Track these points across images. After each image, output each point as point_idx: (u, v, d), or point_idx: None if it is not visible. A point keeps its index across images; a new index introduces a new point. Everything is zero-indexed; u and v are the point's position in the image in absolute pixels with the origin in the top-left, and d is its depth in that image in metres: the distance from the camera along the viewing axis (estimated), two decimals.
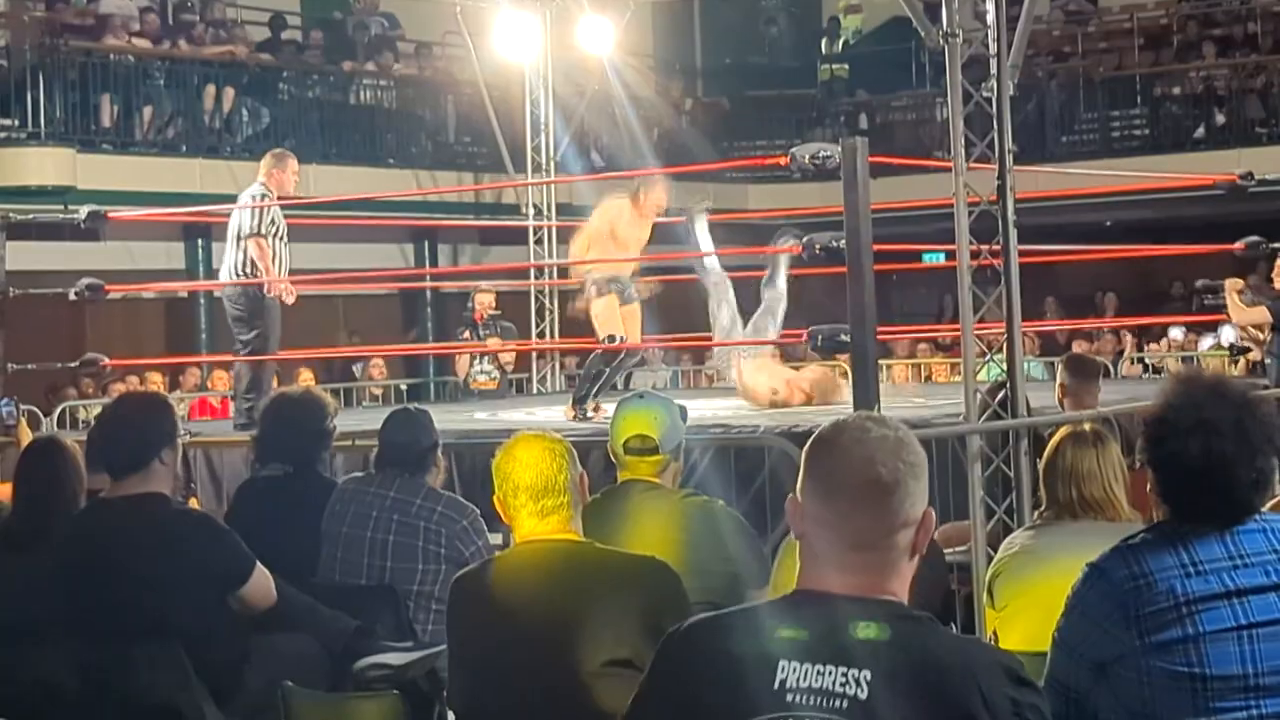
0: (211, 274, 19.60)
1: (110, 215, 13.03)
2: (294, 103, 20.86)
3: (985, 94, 9.27)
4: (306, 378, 17.26)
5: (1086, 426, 5.88)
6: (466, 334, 16.80)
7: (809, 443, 3.14)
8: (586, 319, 12.55)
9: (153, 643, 5.70)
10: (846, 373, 12.69)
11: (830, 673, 2.99)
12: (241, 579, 5.92)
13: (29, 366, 12.70)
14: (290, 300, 12.69)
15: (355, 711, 5.73)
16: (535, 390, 17.83)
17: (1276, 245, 13.64)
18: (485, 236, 22.52)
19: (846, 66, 27.79)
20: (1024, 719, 2.98)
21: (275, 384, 15.76)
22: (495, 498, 4.82)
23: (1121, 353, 20.21)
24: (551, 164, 19.02)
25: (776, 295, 12.85)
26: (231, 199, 13.24)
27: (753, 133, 25.87)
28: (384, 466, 6.96)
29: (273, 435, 7.45)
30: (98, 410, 15.90)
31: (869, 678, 2.96)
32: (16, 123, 18.05)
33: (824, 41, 28.50)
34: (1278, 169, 17.33)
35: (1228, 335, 17.90)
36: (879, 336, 9.35)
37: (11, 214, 13.10)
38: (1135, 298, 22.94)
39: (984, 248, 9.22)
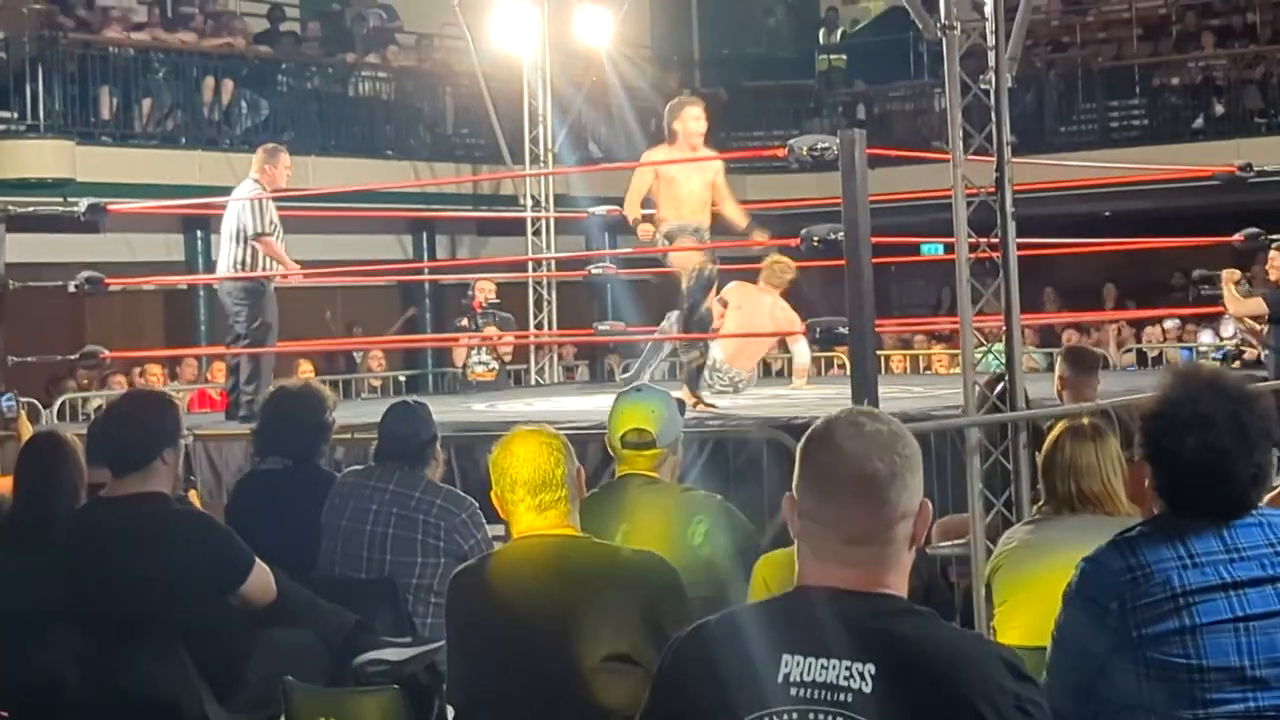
0: (211, 266, 19.54)
1: (110, 207, 13.02)
2: (293, 94, 20.86)
3: (984, 86, 9.28)
4: (306, 369, 17.27)
5: (1085, 420, 5.89)
6: (465, 321, 16.81)
7: (803, 440, 3.15)
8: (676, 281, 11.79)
9: (153, 638, 5.71)
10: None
11: (834, 666, 3.00)
12: (241, 577, 5.93)
13: (28, 359, 12.70)
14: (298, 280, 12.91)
15: (355, 706, 5.73)
16: (533, 382, 17.84)
17: (1275, 237, 13.65)
18: (483, 228, 22.54)
19: (844, 57, 27.80)
20: (1025, 713, 2.99)
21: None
22: (493, 493, 4.82)
23: (1120, 344, 20.23)
24: (549, 155, 19.02)
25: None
26: (231, 191, 13.29)
27: (750, 123, 25.86)
28: (383, 460, 6.96)
29: (272, 429, 7.45)
30: (98, 403, 16.00)
31: (873, 671, 2.97)
32: (16, 115, 18.05)
33: (821, 32, 28.52)
34: (1277, 160, 17.35)
35: (1227, 329, 17.93)
36: (877, 329, 9.36)
37: (11, 206, 13.11)
38: (1134, 289, 22.94)
39: (982, 240, 9.23)
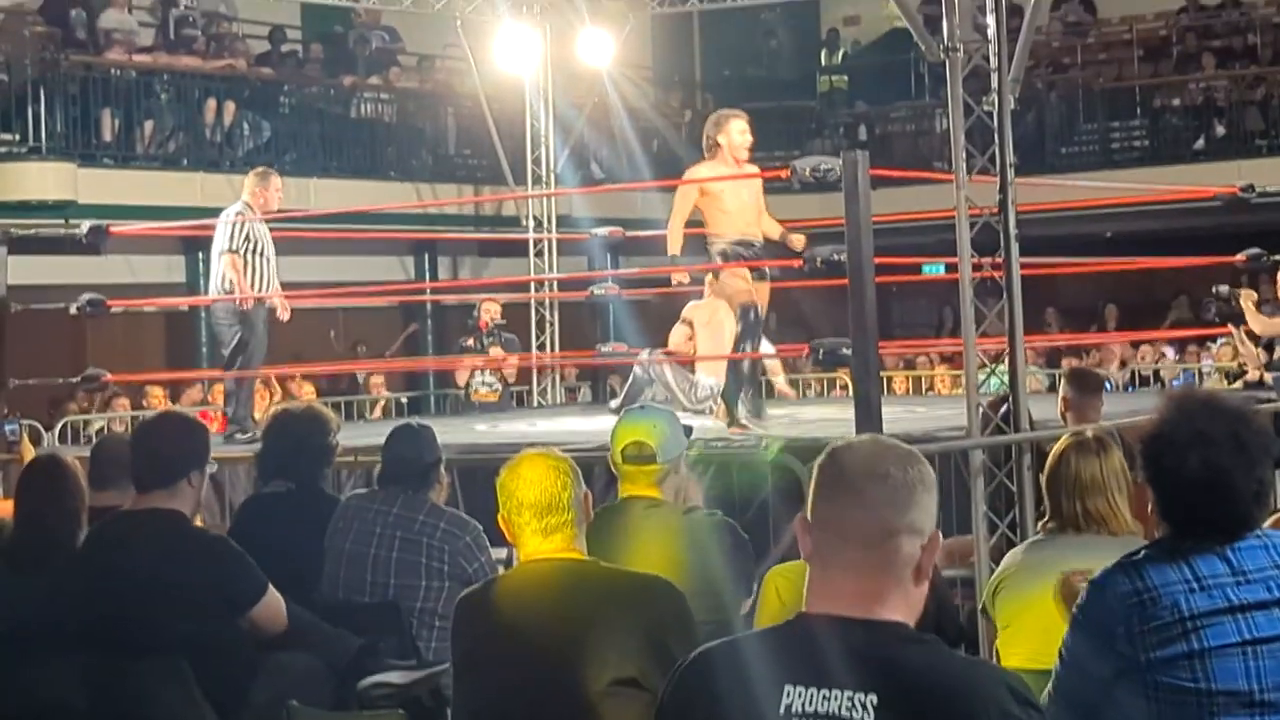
0: None
1: (111, 229, 13.03)
2: (295, 116, 20.87)
3: (986, 107, 9.28)
4: (308, 391, 17.26)
5: (1089, 433, 5.88)
6: (470, 341, 16.81)
7: (822, 455, 3.16)
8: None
9: (159, 658, 5.69)
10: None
11: (835, 696, 2.99)
12: (252, 601, 5.92)
13: (30, 382, 12.70)
14: (285, 316, 12.85)
15: None
16: (536, 403, 17.84)
17: (1278, 257, 13.66)
18: (485, 249, 22.54)
19: (845, 78, 27.81)
20: None
21: (275, 396, 15.91)
22: (500, 516, 4.82)
23: (1123, 364, 20.22)
24: (551, 176, 19.05)
25: None
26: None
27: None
28: (387, 483, 6.95)
29: (275, 452, 7.45)
30: (100, 425, 15.99)
31: (875, 701, 2.96)
32: (18, 137, 18.05)
33: (823, 53, 28.52)
34: (1278, 181, 17.35)
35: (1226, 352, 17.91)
36: (880, 350, 9.36)
37: (13, 229, 13.12)
38: (1136, 309, 22.93)
39: (985, 260, 9.22)
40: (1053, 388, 15.55)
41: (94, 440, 14.27)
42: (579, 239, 17.51)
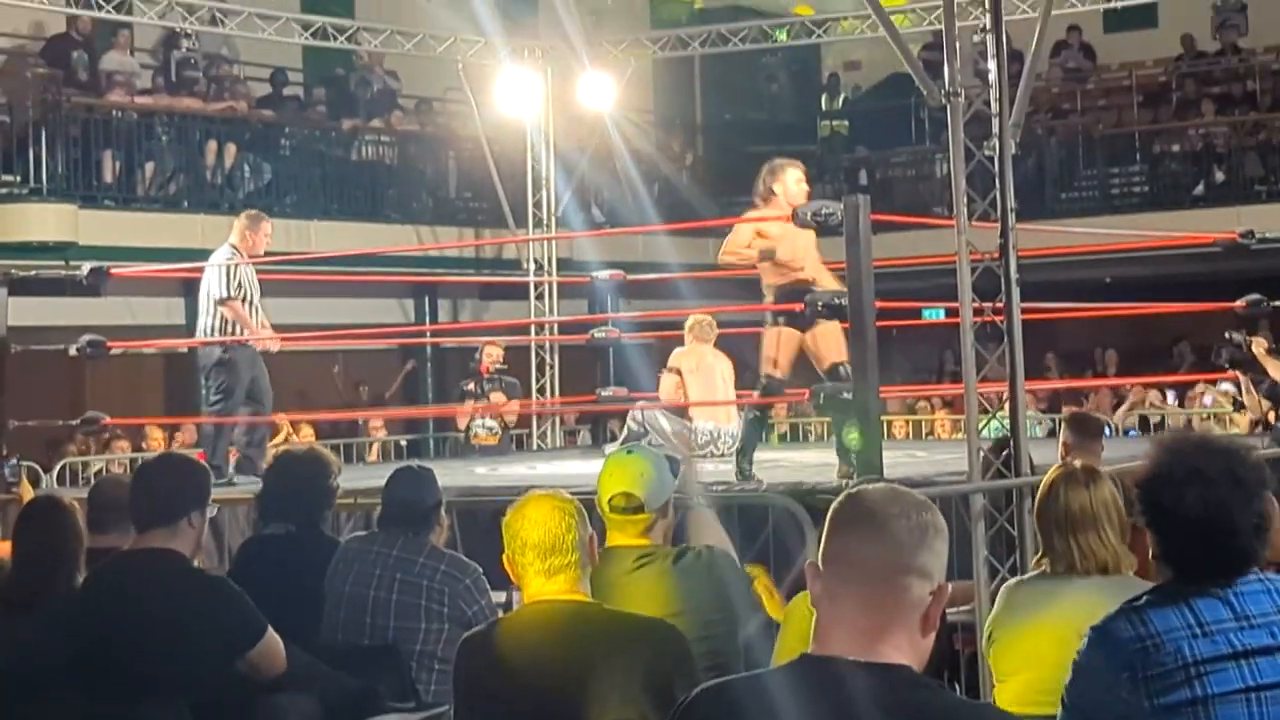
0: None
1: (112, 271, 13.04)
2: (296, 158, 20.89)
3: (987, 152, 9.29)
4: (307, 434, 17.26)
5: (1078, 465, 5.85)
6: (471, 385, 16.81)
7: (838, 497, 3.16)
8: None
9: (158, 699, 5.67)
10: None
11: None
12: (251, 642, 5.89)
13: (29, 423, 12.69)
14: (275, 348, 13.08)
15: None
16: (536, 446, 17.84)
17: (1278, 303, 13.65)
18: (485, 291, 22.54)
19: (846, 123, 27.87)
20: None
21: (279, 439, 15.93)
22: (504, 556, 4.80)
23: (1118, 404, 20.20)
24: (552, 219, 19.10)
25: None
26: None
27: (752, 188, 25.85)
28: (387, 525, 6.93)
29: (276, 493, 7.44)
30: (98, 467, 15.97)
31: None
32: (19, 179, 18.06)
33: (824, 98, 28.59)
34: (1277, 226, 17.35)
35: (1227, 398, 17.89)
36: (881, 394, 9.36)
37: (13, 270, 13.12)
38: (1136, 354, 22.93)
39: (986, 305, 9.22)
40: (1052, 433, 15.53)
41: (92, 482, 14.27)
42: (580, 282, 17.52)
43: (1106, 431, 13.67)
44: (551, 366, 18.37)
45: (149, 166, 19.35)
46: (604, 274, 14.98)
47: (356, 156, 21.69)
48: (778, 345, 10.92)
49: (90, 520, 6.42)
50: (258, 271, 13.19)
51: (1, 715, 5.88)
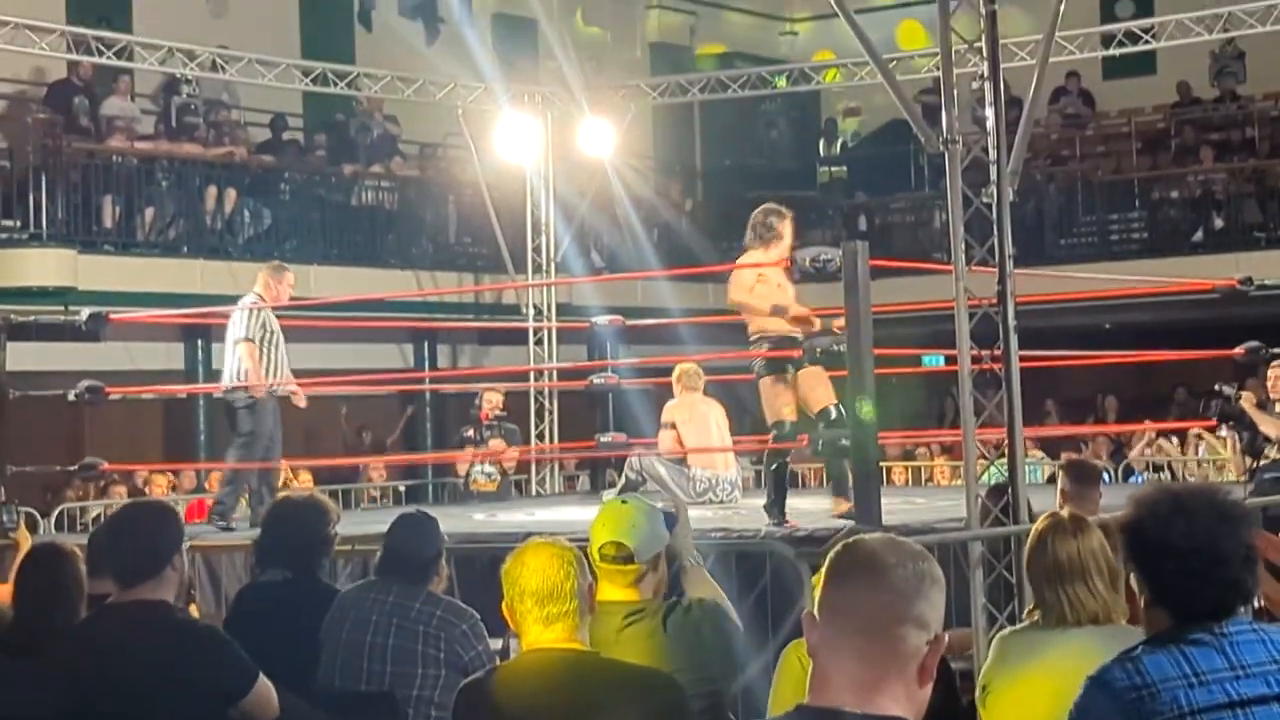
0: (211, 375, 19.64)
1: (111, 317, 13.06)
2: (296, 203, 20.92)
3: (985, 199, 9.31)
4: (305, 479, 17.23)
5: (1066, 514, 5.84)
6: (470, 431, 16.80)
7: (835, 546, 3.16)
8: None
9: None
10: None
11: None
12: (244, 691, 5.87)
13: (27, 468, 12.69)
14: (301, 404, 13.28)
15: None
16: (535, 492, 17.82)
17: (1277, 350, 13.65)
18: (485, 337, 22.56)
19: (845, 169, 27.93)
20: None
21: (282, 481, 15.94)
22: (503, 604, 4.79)
23: (1115, 450, 20.19)
24: (552, 265, 19.12)
25: None
26: (233, 300, 13.45)
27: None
28: (385, 573, 6.92)
29: (274, 540, 7.42)
30: (97, 512, 15.94)
31: None
32: (19, 224, 18.08)
33: (822, 144, 28.66)
34: (1276, 273, 17.38)
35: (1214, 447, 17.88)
36: (879, 440, 9.36)
37: (13, 315, 13.14)
38: (1135, 401, 22.93)
39: (984, 352, 9.22)
40: (1053, 479, 15.53)
41: (90, 528, 14.25)
42: (580, 327, 17.54)
43: (1105, 478, 13.67)
44: (551, 412, 18.37)
45: (149, 212, 19.37)
46: (603, 319, 15.01)
47: (356, 202, 21.72)
48: (778, 392, 10.93)
49: (90, 565, 6.41)
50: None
51: None
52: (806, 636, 3.12)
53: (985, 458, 9.77)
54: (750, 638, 6.01)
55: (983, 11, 9.52)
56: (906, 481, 19.31)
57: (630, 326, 15.42)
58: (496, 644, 6.73)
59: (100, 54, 17.30)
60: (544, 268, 19.28)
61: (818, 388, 10.84)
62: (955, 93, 9.45)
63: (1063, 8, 10.46)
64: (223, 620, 7.35)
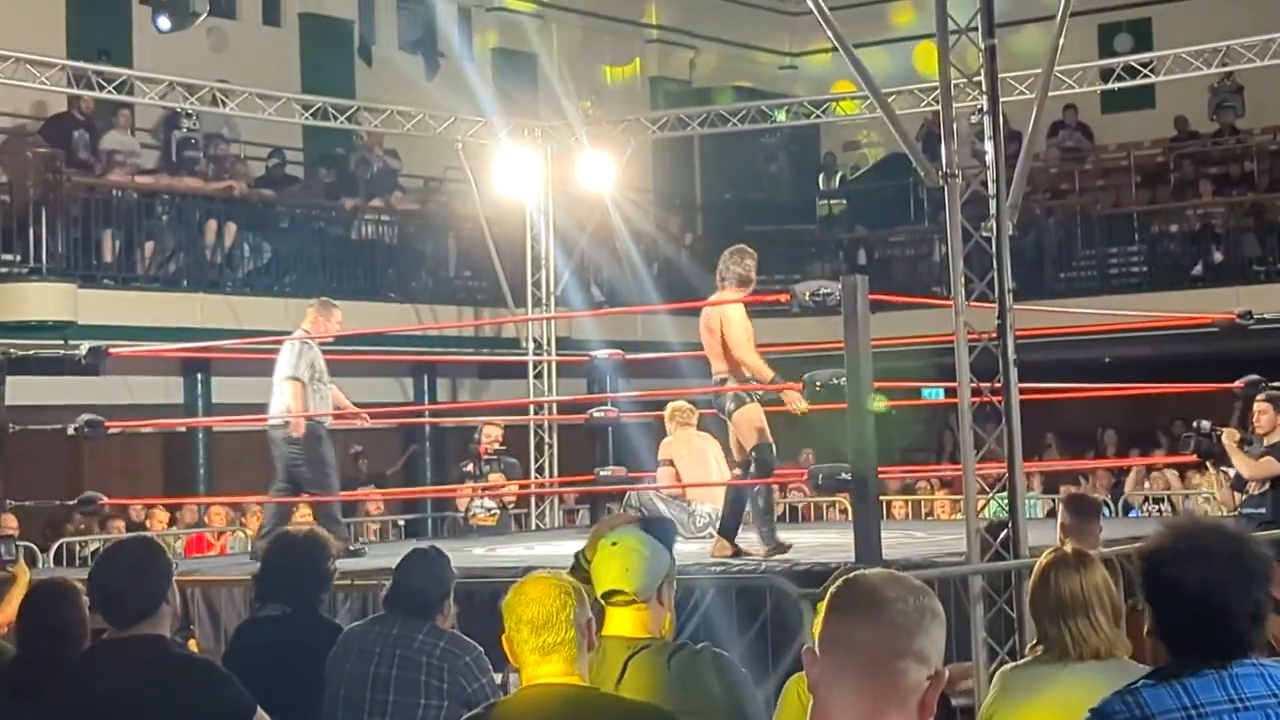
0: (211, 409, 19.65)
1: (111, 350, 13.06)
2: (295, 237, 20.92)
3: (984, 233, 9.32)
4: (305, 514, 17.21)
5: (1069, 550, 5.83)
6: (470, 466, 16.78)
7: (837, 582, 3.16)
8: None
9: None
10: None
11: None
12: None
13: (27, 503, 12.68)
14: (367, 421, 14.40)
15: None
16: (534, 526, 17.80)
17: (1276, 384, 13.63)
18: (484, 370, 22.56)
19: (845, 202, 27.96)
20: None
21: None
22: (504, 637, 4.77)
23: (1115, 484, 20.17)
24: (552, 299, 19.13)
25: None
26: (232, 334, 13.53)
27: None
28: (392, 607, 6.90)
29: (273, 575, 7.40)
30: (95, 546, 15.92)
31: None
32: (18, 258, 18.08)
33: (822, 177, 28.69)
34: (1275, 307, 17.39)
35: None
36: (879, 474, 9.36)
37: (12, 349, 13.13)
38: (1135, 435, 22.93)
39: (984, 385, 9.23)
40: (1052, 513, 15.52)
41: (89, 562, 14.23)
42: (579, 361, 17.53)
43: (1106, 512, 13.65)
44: (550, 446, 18.36)
45: (149, 246, 19.38)
46: (603, 353, 15.01)
47: (356, 236, 21.73)
48: (751, 422, 11.02)
49: (92, 601, 6.40)
50: (250, 351, 13.34)
51: None
52: (807, 671, 3.11)
53: (985, 491, 9.76)
54: (750, 672, 5.98)
55: (982, 46, 9.54)
56: (907, 515, 19.30)
57: (630, 360, 15.41)
58: (497, 678, 6.72)
59: (101, 88, 17.31)
60: (544, 301, 19.28)
61: (746, 431, 11.04)
62: (955, 127, 9.47)
63: (1062, 42, 10.48)
64: (222, 655, 7.34)
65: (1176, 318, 18.01)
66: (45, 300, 17.75)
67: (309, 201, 21.67)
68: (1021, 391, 9.31)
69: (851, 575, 3.16)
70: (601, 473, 15.13)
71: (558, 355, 18.95)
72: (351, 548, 12.90)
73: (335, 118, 18.94)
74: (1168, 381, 16.57)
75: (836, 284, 9.32)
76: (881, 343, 10.25)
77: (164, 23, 15.60)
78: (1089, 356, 21.44)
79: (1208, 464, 14.94)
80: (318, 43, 24.03)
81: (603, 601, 5.29)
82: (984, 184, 9.42)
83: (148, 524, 17.40)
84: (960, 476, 9.58)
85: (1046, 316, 16.81)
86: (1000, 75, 9.77)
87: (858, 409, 9.02)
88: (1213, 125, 25.10)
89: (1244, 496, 13.22)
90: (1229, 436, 13.17)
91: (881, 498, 12.74)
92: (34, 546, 15.03)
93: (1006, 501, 9.28)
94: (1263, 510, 12.82)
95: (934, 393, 16.33)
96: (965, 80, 9.81)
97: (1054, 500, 17.41)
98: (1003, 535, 9.07)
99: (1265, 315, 14.73)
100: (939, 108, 9.69)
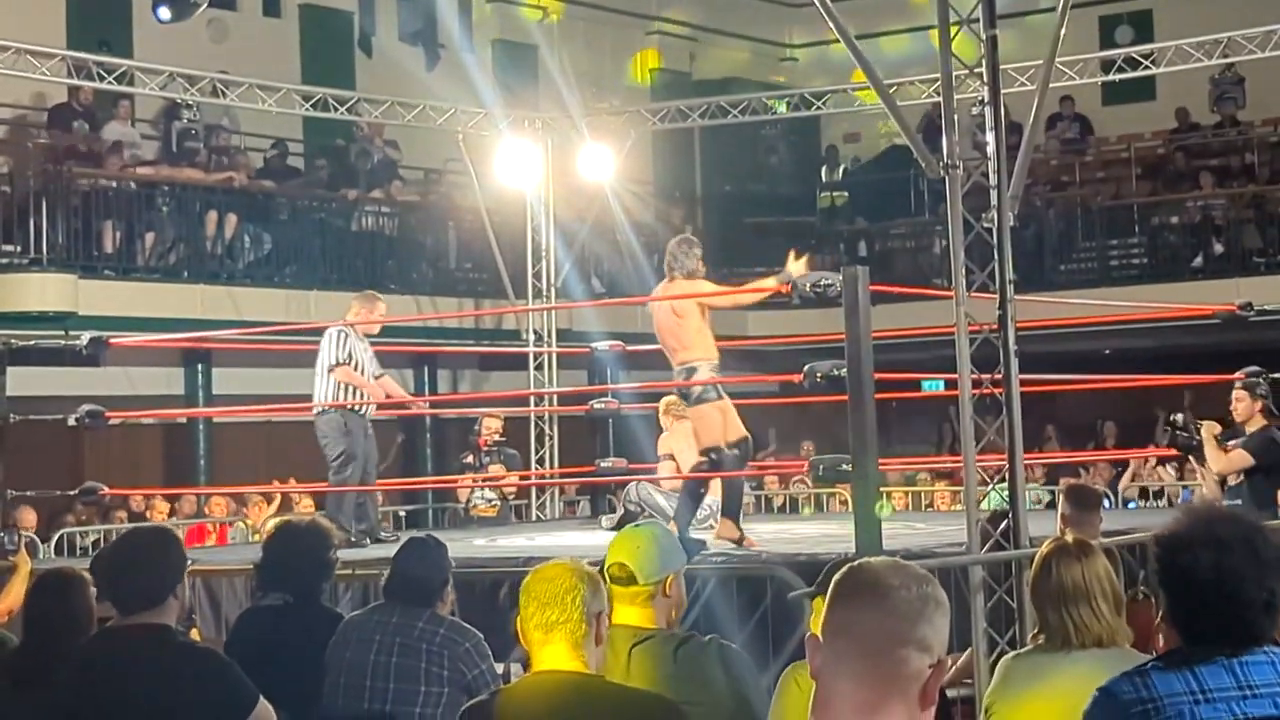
0: (211, 400, 19.67)
1: (111, 341, 13.06)
2: (296, 228, 20.91)
3: (985, 224, 9.32)
4: (306, 505, 17.22)
5: (1070, 539, 5.84)
6: (470, 457, 16.79)
7: (841, 570, 3.16)
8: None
9: None
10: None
11: None
12: (244, 713, 5.87)
13: (28, 493, 12.68)
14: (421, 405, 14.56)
15: None
16: (535, 517, 17.80)
17: (1277, 375, 13.63)
18: (485, 362, 22.56)
19: (846, 194, 27.94)
20: None
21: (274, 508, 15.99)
22: (517, 620, 4.78)
23: (1118, 475, 20.16)
24: (552, 290, 19.12)
25: None
26: (233, 324, 13.56)
27: (752, 259, 25.90)
28: (392, 595, 6.92)
29: (275, 564, 7.42)
30: (96, 537, 15.93)
31: None
32: (19, 249, 18.08)
33: (823, 169, 28.68)
34: (1276, 298, 17.39)
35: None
36: (880, 466, 9.35)
37: (12, 340, 13.13)
38: (1135, 426, 22.93)
39: (985, 377, 9.23)
40: (1052, 504, 15.52)
41: (90, 552, 14.26)
42: (580, 352, 17.54)
43: (1106, 503, 13.64)
44: (551, 437, 18.35)
45: (149, 236, 19.37)
46: (604, 344, 15.02)
47: (356, 227, 21.72)
48: (708, 422, 11.15)
49: (99, 593, 6.41)
50: (251, 342, 13.33)
51: None
52: (809, 659, 3.11)
53: (986, 482, 9.76)
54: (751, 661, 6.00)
55: (983, 37, 9.54)
56: (907, 506, 19.31)
57: (631, 351, 15.41)
58: (498, 668, 6.73)
59: (101, 79, 17.28)
60: (544, 292, 19.27)
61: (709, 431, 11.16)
62: (956, 118, 9.47)
63: (1063, 33, 10.48)
64: (223, 644, 7.35)
65: (1177, 309, 18.00)
66: (46, 291, 17.75)
67: (309, 192, 21.68)
68: (1022, 383, 9.31)
69: (855, 563, 3.16)
70: (602, 464, 15.14)
71: (558, 346, 18.94)
72: (353, 538, 12.90)
73: (335, 109, 18.92)
74: (1168, 373, 16.55)
75: (837, 275, 9.32)
76: (882, 334, 10.26)
77: (164, 13, 15.56)
78: (1089, 348, 21.45)
79: (1190, 458, 14.89)
80: (318, 34, 24.04)
81: (606, 579, 5.30)
82: (985, 175, 9.42)
83: (148, 514, 17.40)
84: (960, 468, 9.58)
85: (1047, 308, 16.81)
86: (1001, 66, 9.76)
87: (859, 400, 9.02)
88: (1213, 117, 25.10)
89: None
90: (1208, 430, 13.15)
91: (882, 489, 12.75)
92: (35, 537, 15.04)
93: (1007, 492, 9.27)
94: (1239, 502, 12.81)
95: (935, 384, 16.34)
96: (966, 71, 9.81)
97: (1053, 492, 17.44)
98: (1003, 526, 9.08)
99: (1266, 307, 14.74)
100: (939, 99, 9.70)
